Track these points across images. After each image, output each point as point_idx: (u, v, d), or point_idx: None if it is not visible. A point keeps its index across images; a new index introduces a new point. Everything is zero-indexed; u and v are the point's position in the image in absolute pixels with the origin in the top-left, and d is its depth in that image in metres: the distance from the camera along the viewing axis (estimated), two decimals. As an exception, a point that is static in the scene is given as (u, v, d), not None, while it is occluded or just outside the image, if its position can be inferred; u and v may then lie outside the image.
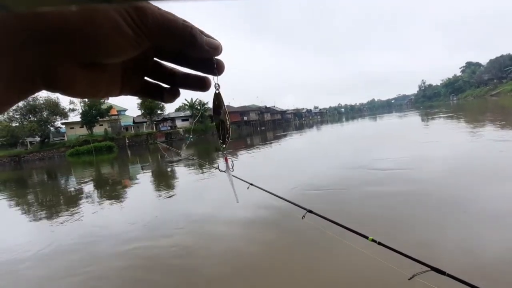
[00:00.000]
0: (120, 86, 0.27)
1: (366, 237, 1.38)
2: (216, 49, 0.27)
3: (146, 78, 0.30)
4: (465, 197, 3.53)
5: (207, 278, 2.46)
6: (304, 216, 1.55)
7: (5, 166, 28.86)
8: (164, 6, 0.21)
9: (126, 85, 0.28)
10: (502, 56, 77.20)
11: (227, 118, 0.33)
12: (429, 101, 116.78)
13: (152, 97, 0.31)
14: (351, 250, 2.18)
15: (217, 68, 0.28)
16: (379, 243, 1.36)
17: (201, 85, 0.30)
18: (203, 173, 7.89)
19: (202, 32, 0.26)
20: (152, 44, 0.24)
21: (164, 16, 0.23)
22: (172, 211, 4.72)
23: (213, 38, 0.27)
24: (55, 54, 0.21)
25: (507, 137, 7.20)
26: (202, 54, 0.26)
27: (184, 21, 0.24)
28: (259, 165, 8.55)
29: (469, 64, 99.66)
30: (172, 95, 0.31)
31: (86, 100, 36.58)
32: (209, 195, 5.35)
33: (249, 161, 9.29)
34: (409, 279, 1.28)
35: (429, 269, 1.27)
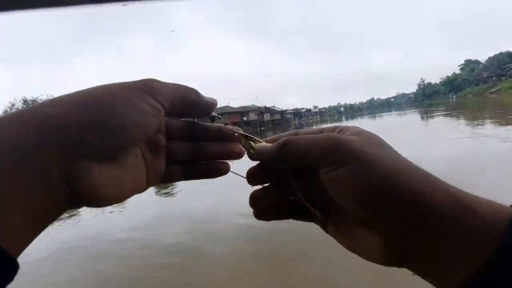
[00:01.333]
0: (144, 175, 0.24)
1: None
2: (214, 104, 0.27)
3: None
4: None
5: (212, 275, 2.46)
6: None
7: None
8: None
9: (150, 171, 0.25)
10: (501, 54, 77.38)
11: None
12: (429, 99, 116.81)
13: (189, 177, 0.28)
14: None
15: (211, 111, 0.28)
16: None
17: (221, 136, 0.28)
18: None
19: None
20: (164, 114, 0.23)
21: (169, 85, 0.24)
22: (173, 210, 4.71)
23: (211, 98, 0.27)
24: (76, 156, 0.19)
25: None
26: (205, 111, 0.27)
27: (185, 86, 0.25)
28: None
29: (468, 62, 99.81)
30: (213, 167, 0.28)
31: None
32: (213, 195, 5.34)
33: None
34: (413, 275, 1.28)
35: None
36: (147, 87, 0.22)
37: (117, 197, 0.22)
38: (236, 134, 0.28)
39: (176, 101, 0.24)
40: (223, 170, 0.28)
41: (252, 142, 0.28)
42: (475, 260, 0.17)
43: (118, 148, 0.21)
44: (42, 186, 0.18)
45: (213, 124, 0.28)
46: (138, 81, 0.22)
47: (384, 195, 0.20)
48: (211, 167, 0.28)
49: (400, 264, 0.21)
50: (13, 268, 0.16)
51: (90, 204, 0.21)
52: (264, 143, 0.27)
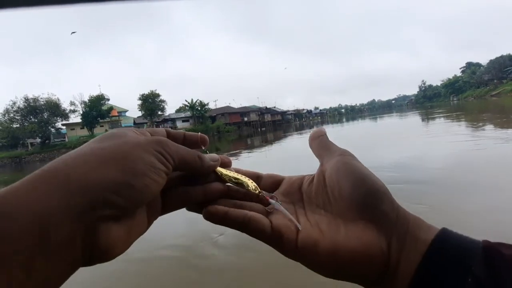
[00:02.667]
0: (146, 218, 0.25)
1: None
2: (217, 161, 0.29)
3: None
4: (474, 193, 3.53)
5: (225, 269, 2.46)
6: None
7: (5, 168, 28.87)
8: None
9: (150, 213, 0.26)
10: (502, 57, 77.27)
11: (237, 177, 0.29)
12: (430, 101, 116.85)
13: (187, 203, 0.28)
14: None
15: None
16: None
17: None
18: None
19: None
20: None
21: (178, 147, 0.25)
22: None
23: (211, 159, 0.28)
24: (99, 219, 0.19)
25: None
26: (208, 170, 0.28)
27: (191, 151, 0.26)
28: (266, 164, 8.56)
29: (469, 65, 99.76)
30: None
31: (87, 101, 36.83)
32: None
33: (252, 162, 9.29)
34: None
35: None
36: (161, 147, 0.23)
37: (126, 248, 0.22)
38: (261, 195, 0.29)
39: (181, 164, 0.25)
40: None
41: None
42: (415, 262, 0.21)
43: (139, 206, 0.22)
44: (64, 255, 0.18)
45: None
46: (152, 140, 0.24)
47: (368, 177, 0.24)
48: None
49: (379, 258, 0.22)
50: None
51: (102, 261, 0.21)
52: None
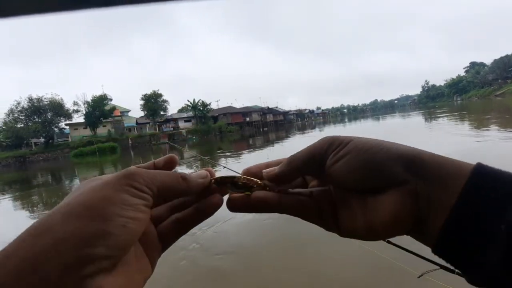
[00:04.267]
0: (146, 257, 0.24)
1: (375, 235, 1.38)
2: (205, 177, 0.27)
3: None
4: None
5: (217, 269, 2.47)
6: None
7: (10, 167, 29.12)
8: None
9: (149, 251, 0.24)
10: (506, 56, 76.55)
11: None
12: (433, 101, 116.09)
13: (186, 228, 0.27)
14: (360, 248, 2.18)
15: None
16: (388, 241, 1.36)
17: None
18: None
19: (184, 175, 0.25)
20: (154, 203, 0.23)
21: (151, 174, 0.23)
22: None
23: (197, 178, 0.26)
24: (82, 280, 0.17)
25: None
26: (196, 190, 0.26)
27: (168, 173, 0.24)
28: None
29: (473, 64, 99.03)
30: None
31: (90, 101, 36.99)
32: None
33: (254, 162, 9.28)
34: (418, 277, 1.28)
35: (438, 267, 1.26)
36: (131, 179, 0.21)
37: None
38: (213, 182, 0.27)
39: (163, 190, 0.23)
40: (217, 206, 0.27)
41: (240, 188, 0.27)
42: (456, 189, 0.20)
43: (127, 250, 0.20)
44: None
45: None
46: (119, 174, 0.22)
47: (386, 155, 0.23)
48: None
49: (408, 218, 0.22)
50: None
51: None
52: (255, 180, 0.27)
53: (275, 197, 0.26)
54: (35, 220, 0.17)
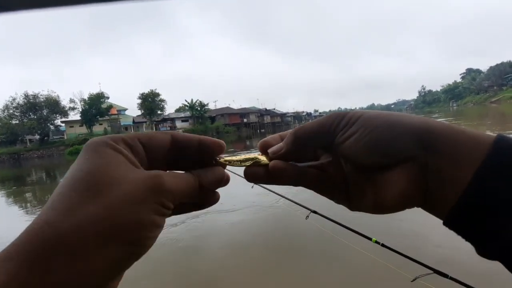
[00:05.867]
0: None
1: (370, 239, 1.38)
2: (222, 180, 0.26)
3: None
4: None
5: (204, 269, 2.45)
6: (308, 216, 1.55)
7: (4, 163, 28.78)
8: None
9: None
10: (502, 63, 77.65)
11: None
12: (429, 106, 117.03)
13: (182, 211, 0.25)
14: (354, 251, 2.18)
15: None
16: (382, 245, 1.36)
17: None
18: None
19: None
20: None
21: (177, 182, 0.22)
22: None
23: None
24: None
25: None
26: (211, 188, 0.25)
27: (185, 177, 0.23)
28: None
29: (469, 71, 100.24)
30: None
31: (86, 98, 36.75)
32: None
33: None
34: (412, 281, 1.28)
35: (432, 272, 1.27)
36: (160, 195, 0.20)
37: None
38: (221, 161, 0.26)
39: (182, 199, 0.22)
40: (214, 201, 0.27)
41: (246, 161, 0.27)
42: (476, 158, 0.20)
43: (137, 258, 0.20)
44: None
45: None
46: (147, 188, 0.20)
47: (395, 131, 0.23)
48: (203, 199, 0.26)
49: (417, 193, 0.23)
50: None
51: None
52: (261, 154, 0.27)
53: (293, 168, 0.26)
54: (30, 221, 0.17)
